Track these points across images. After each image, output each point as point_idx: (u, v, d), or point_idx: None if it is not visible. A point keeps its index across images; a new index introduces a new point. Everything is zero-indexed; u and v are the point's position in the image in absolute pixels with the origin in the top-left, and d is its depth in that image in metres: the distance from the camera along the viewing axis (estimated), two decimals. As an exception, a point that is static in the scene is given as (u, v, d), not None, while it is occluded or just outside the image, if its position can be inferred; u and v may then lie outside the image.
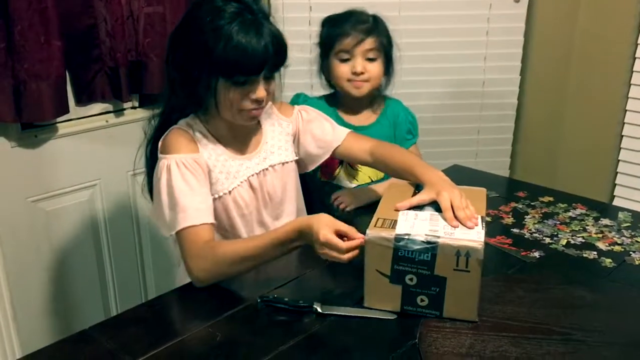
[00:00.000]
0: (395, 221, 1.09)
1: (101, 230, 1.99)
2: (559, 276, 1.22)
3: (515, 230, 1.44)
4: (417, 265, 1.04)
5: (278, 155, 1.40)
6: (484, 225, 1.09)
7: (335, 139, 1.45)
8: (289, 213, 1.43)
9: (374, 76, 1.57)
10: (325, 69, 1.64)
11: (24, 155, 1.77)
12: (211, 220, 1.22)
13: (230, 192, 1.31)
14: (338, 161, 1.61)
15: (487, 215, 1.50)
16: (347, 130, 1.47)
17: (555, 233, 1.43)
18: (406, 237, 1.04)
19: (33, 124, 1.76)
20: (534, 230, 1.44)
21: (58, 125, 1.82)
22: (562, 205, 1.58)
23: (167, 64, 1.27)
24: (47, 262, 1.88)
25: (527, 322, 1.06)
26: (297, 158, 1.45)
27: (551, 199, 1.62)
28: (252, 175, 1.34)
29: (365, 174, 1.66)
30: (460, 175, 1.64)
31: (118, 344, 1.01)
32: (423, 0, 2.23)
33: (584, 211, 1.55)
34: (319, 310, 1.08)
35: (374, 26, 1.57)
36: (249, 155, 1.35)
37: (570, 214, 1.53)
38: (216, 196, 1.29)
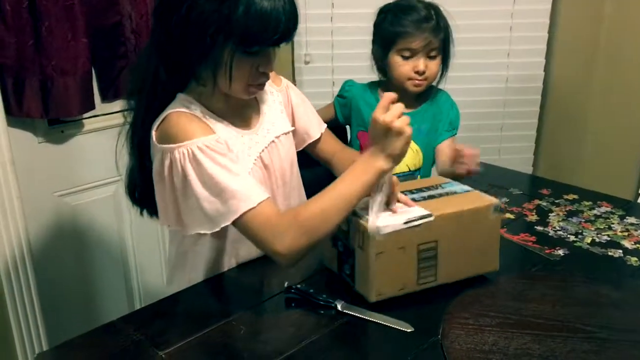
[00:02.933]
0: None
1: (125, 224, 2.02)
2: (584, 274, 1.21)
3: (539, 228, 1.43)
4: (342, 233, 1.12)
5: (279, 126, 1.30)
6: (415, 219, 1.07)
7: (316, 132, 1.40)
8: (298, 189, 1.36)
9: (433, 74, 1.57)
10: (380, 59, 1.61)
11: (50, 150, 1.80)
12: (265, 195, 1.08)
13: (249, 172, 1.19)
14: None
15: (511, 212, 1.50)
16: (324, 125, 1.43)
17: (580, 231, 1.41)
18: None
19: (60, 119, 1.80)
20: (558, 228, 1.43)
21: (84, 121, 1.85)
22: (586, 203, 1.56)
23: (155, 35, 1.13)
24: (72, 255, 1.92)
25: (551, 319, 1.05)
26: (293, 128, 1.35)
27: (576, 196, 1.60)
28: (263, 150, 1.24)
29: (404, 163, 1.62)
30: (483, 172, 1.63)
31: (144, 335, 1.03)
32: (446, -3, 2.22)
33: (609, 209, 1.53)
34: (339, 308, 1.09)
35: (437, 24, 1.53)
36: (254, 129, 1.24)
37: (595, 211, 1.52)
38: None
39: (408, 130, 1.04)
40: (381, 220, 1.06)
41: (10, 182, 1.65)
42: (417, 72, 1.54)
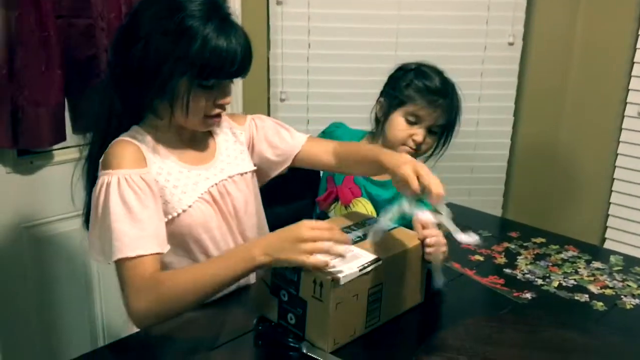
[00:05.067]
0: None
1: (91, 259, 1.98)
2: (551, 318, 1.22)
3: (508, 271, 1.44)
4: (287, 282, 1.09)
5: (235, 165, 1.30)
6: (367, 265, 1.08)
7: (294, 145, 1.38)
8: (254, 228, 1.33)
9: (427, 149, 1.53)
10: (383, 111, 1.55)
11: (19, 181, 1.77)
12: (153, 249, 1.07)
13: (190, 206, 1.18)
14: (333, 198, 1.60)
15: (480, 254, 1.51)
16: (305, 135, 1.41)
17: (548, 274, 1.43)
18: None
19: (29, 150, 1.77)
20: (526, 271, 1.44)
21: (54, 152, 1.82)
22: (554, 247, 1.59)
23: (112, 68, 1.16)
24: (36, 288, 1.86)
25: (519, 364, 1.06)
26: (254, 168, 1.35)
27: (543, 240, 1.63)
28: (212, 186, 1.23)
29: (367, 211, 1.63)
30: (453, 213, 1.64)
31: (106, 376, 1.00)
32: (419, 42, 2.28)
33: (575, 253, 1.55)
34: (304, 350, 1.07)
35: (451, 103, 1.50)
36: (206, 166, 1.25)
37: (562, 255, 1.54)
38: (175, 214, 1.17)
39: (318, 263, 1.01)
40: (337, 270, 1.04)
41: (-26, 213, 1.61)
42: (414, 141, 1.49)
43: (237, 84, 2.22)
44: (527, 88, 2.42)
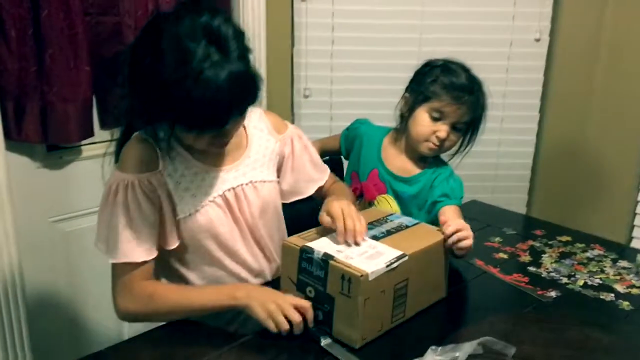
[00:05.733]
0: (321, 236, 1.17)
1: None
2: (576, 317, 1.21)
3: (532, 269, 1.43)
4: (314, 279, 1.11)
5: (260, 172, 1.28)
6: (394, 260, 1.10)
7: (310, 189, 1.41)
8: (269, 236, 1.33)
9: (450, 146, 1.51)
10: (407, 107, 1.53)
11: (48, 175, 1.80)
12: (146, 257, 1.15)
13: (198, 210, 1.19)
14: (357, 195, 1.60)
15: (504, 252, 1.50)
16: (325, 178, 1.44)
17: (573, 273, 1.42)
18: (309, 250, 1.11)
19: (58, 145, 1.80)
20: (551, 270, 1.43)
21: (82, 147, 1.86)
22: (579, 245, 1.57)
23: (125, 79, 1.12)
24: (63, 282, 1.90)
25: (542, 362, 1.05)
26: (277, 180, 1.35)
27: (569, 238, 1.61)
28: (229, 189, 1.23)
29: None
30: (477, 210, 1.65)
31: (132, 367, 1.02)
32: (444, 38, 2.26)
33: (601, 252, 1.53)
34: (322, 344, 1.08)
35: (477, 99, 1.49)
36: (227, 168, 1.24)
37: (588, 254, 1.52)
38: (182, 216, 1.18)
39: (271, 326, 1.07)
40: (365, 266, 1.06)
41: (5, 206, 1.64)
42: (437, 137, 1.48)
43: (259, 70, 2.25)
44: (554, 85, 2.39)
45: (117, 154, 1.22)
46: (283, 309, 1.08)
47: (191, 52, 0.98)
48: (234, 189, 1.24)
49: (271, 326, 1.07)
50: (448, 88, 1.46)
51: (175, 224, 1.19)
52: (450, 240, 1.22)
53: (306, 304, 1.10)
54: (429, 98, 1.48)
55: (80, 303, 1.96)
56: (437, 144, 1.48)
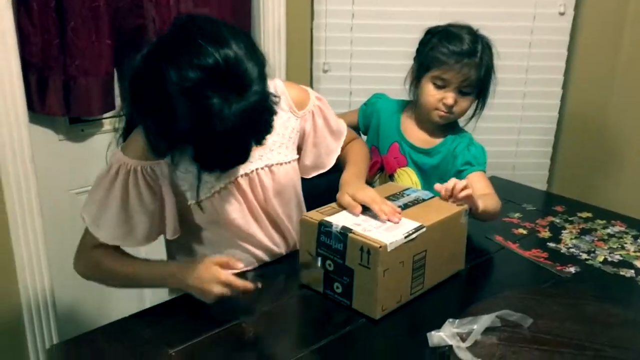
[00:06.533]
0: (339, 210, 1.18)
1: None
2: (594, 292, 1.21)
3: (552, 245, 1.43)
4: (333, 252, 1.12)
5: (277, 153, 1.25)
6: (412, 232, 1.10)
7: (330, 162, 1.40)
8: (286, 216, 1.31)
9: (461, 111, 1.49)
10: (414, 79, 1.53)
11: (70, 148, 1.83)
12: (125, 244, 1.16)
13: (208, 197, 1.16)
14: (377, 168, 1.60)
15: (523, 228, 1.50)
16: (344, 134, 1.43)
17: (593, 249, 1.41)
18: (327, 224, 1.12)
19: (80, 118, 1.83)
20: (570, 246, 1.42)
21: (104, 121, 1.88)
22: (600, 222, 1.56)
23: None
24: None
25: (560, 336, 1.05)
26: (297, 157, 1.31)
27: (589, 214, 1.60)
28: (242, 175, 1.20)
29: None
30: (497, 186, 1.62)
31: (155, 333, 1.04)
32: (466, 11, 2.22)
33: (622, 229, 1.52)
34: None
35: (481, 60, 1.45)
36: None
37: (608, 230, 1.51)
38: (192, 202, 1.16)
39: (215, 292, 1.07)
40: (383, 237, 1.07)
41: (29, 178, 1.67)
42: (444, 104, 1.46)
43: (280, 55, 2.24)
44: (577, 60, 2.34)
45: (124, 139, 1.20)
46: (230, 283, 1.07)
47: (202, 105, 0.92)
48: (247, 174, 1.21)
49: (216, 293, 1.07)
50: (446, 55, 1.45)
51: (179, 214, 1.17)
52: (445, 191, 1.24)
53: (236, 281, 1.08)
54: (429, 67, 1.47)
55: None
56: (446, 110, 1.47)
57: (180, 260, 1.30)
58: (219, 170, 1.09)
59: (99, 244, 1.15)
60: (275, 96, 1.03)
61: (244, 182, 1.21)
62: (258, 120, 0.99)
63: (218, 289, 1.06)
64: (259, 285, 1.07)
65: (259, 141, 1.05)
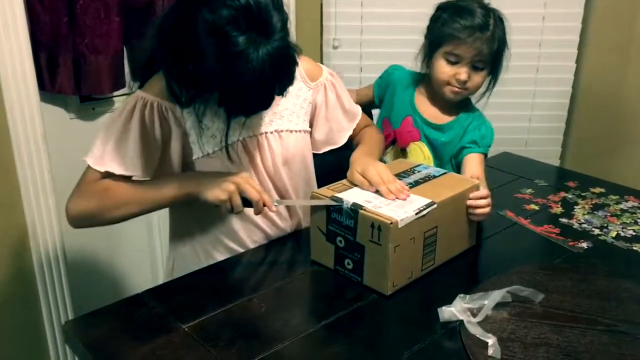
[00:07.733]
0: (350, 187, 1.18)
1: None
2: (607, 268, 1.21)
3: (564, 220, 1.42)
4: (344, 229, 1.12)
5: (288, 121, 1.26)
6: (423, 208, 1.10)
7: (343, 138, 1.39)
8: (295, 187, 1.30)
9: (474, 86, 1.47)
10: (426, 55, 1.51)
11: (81, 126, 1.84)
12: (135, 173, 1.14)
13: (215, 152, 1.17)
14: (390, 141, 1.59)
15: (535, 204, 1.49)
16: (358, 116, 1.42)
17: (605, 225, 1.40)
18: (338, 201, 1.12)
19: (91, 96, 1.83)
20: (583, 221, 1.41)
21: (115, 99, 1.88)
22: (613, 197, 1.54)
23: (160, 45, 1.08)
24: (99, 229, 1.95)
25: (572, 311, 1.05)
26: (309, 129, 1.32)
27: (602, 190, 1.59)
28: (250, 136, 1.20)
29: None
30: (509, 162, 1.63)
31: (168, 309, 1.05)
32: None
33: (636, 204, 1.51)
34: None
35: (493, 34, 1.42)
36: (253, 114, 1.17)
37: (621, 206, 1.50)
38: (197, 156, 1.16)
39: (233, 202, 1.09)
40: (394, 214, 1.07)
41: (42, 156, 1.69)
42: (457, 80, 1.44)
43: (290, 30, 2.22)
44: (591, 33, 2.30)
45: (141, 78, 1.19)
46: (241, 187, 1.09)
47: (232, 44, 0.96)
48: (256, 136, 1.22)
49: (227, 207, 1.10)
50: (457, 30, 1.42)
51: (181, 166, 1.18)
52: (473, 203, 1.22)
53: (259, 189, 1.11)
54: (441, 43, 1.45)
55: (118, 248, 2.02)
56: (460, 86, 1.45)
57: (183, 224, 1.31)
58: (243, 115, 1.11)
59: (105, 176, 1.13)
60: (297, 47, 1.06)
61: (251, 144, 1.21)
62: (282, 66, 1.02)
63: (232, 186, 1.08)
64: (275, 208, 1.15)
65: (282, 90, 1.07)
